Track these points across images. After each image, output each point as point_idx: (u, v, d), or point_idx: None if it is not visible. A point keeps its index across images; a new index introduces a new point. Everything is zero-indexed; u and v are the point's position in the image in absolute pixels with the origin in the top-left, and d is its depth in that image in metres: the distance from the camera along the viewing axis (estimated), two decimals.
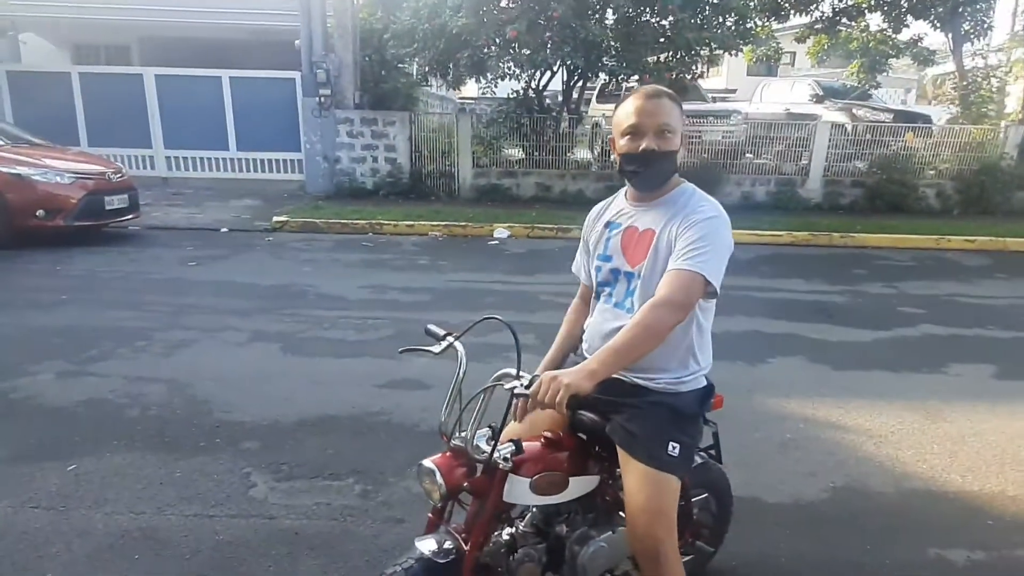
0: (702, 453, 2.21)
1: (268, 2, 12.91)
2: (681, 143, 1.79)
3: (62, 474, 3.00)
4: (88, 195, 7.50)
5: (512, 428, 1.87)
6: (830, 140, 11.22)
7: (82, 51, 14.28)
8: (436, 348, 1.81)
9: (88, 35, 13.68)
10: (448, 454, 1.67)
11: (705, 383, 1.91)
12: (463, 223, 9.08)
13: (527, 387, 1.56)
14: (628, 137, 1.76)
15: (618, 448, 1.81)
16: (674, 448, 1.76)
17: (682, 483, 2.04)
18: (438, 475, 1.62)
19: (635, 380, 1.82)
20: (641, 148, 1.73)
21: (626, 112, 1.76)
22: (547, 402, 1.50)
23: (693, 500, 2.12)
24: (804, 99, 13.66)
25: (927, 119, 12.39)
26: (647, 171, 1.79)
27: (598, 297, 1.95)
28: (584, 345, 1.96)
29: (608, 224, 1.93)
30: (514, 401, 1.61)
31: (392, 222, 9.03)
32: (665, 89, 1.79)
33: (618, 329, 1.75)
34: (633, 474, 1.75)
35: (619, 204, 1.95)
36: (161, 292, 5.92)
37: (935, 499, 3.02)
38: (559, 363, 2.02)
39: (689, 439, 1.84)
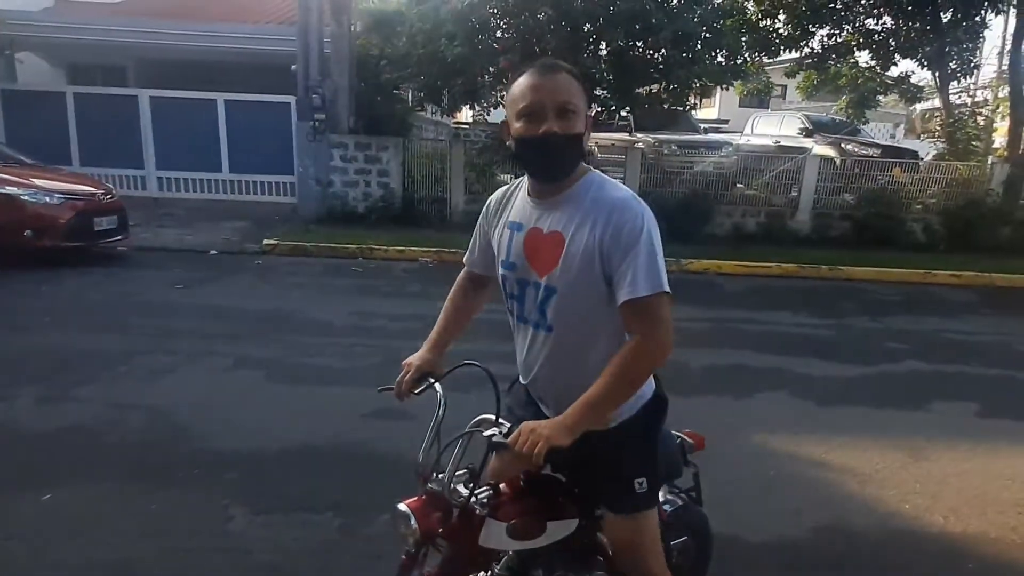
0: (682, 495, 2.20)
1: (266, 27, 13.07)
2: (587, 127, 1.57)
3: (36, 504, 2.95)
4: (77, 216, 7.47)
5: (490, 466, 1.84)
6: (819, 173, 11.36)
7: (79, 71, 14.31)
8: (416, 389, 1.82)
9: (85, 56, 13.72)
10: (424, 498, 1.64)
11: (650, 392, 1.76)
12: (454, 249, 9.06)
13: (506, 435, 1.55)
14: (525, 119, 1.52)
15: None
16: (641, 484, 1.71)
17: (662, 526, 2.03)
18: (413, 520, 1.58)
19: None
20: (541, 131, 1.50)
21: (521, 90, 1.53)
22: (524, 453, 1.45)
23: (672, 544, 2.09)
24: (794, 132, 13.88)
25: (914, 154, 12.59)
26: (549, 159, 1.56)
27: (511, 313, 1.77)
28: (521, 376, 1.85)
29: (510, 225, 1.70)
30: (493, 450, 1.60)
31: (383, 247, 9.03)
32: (563, 64, 1.58)
33: (541, 352, 1.69)
34: (611, 524, 1.75)
35: (520, 201, 1.71)
36: (147, 315, 5.88)
37: (918, 540, 3.02)
38: (441, 350, 1.88)
39: (651, 463, 1.76)
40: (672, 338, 1.53)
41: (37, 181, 7.54)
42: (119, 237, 8.19)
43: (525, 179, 1.72)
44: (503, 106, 9.96)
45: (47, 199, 7.37)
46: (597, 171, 1.66)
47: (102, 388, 4.27)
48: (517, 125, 1.55)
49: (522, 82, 1.54)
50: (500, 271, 1.74)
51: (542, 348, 1.69)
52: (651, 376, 1.75)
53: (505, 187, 1.82)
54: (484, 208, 1.84)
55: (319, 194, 11.23)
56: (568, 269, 1.57)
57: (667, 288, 1.52)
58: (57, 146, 11.11)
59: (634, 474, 1.71)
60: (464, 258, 1.96)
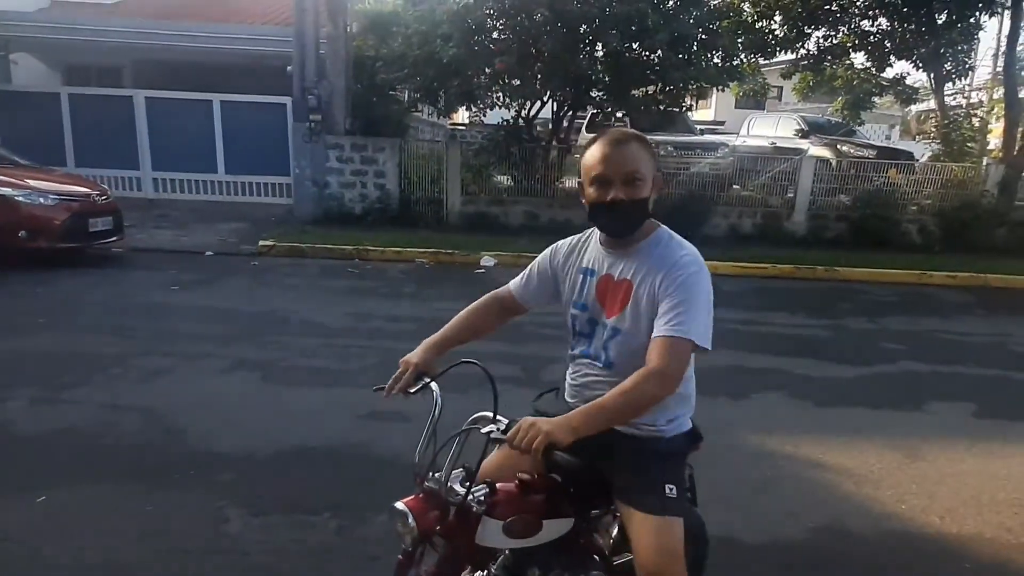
0: None
1: (262, 28, 13.05)
2: (654, 187, 1.73)
3: (31, 506, 2.94)
4: (71, 217, 7.46)
5: (486, 467, 1.86)
6: (815, 174, 11.38)
7: (74, 72, 14.27)
8: (412, 388, 1.83)
9: (81, 56, 13.68)
10: (421, 496, 1.65)
11: (689, 426, 1.90)
12: (450, 251, 9.09)
13: (504, 431, 1.55)
14: (596, 186, 1.70)
15: (618, 502, 1.81)
16: (671, 490, 1.76)
17: None
18: (410, 518, 1.59)
19: (622, 430, 1.79)
20: (609, 198, 1.68)
21: (593, 160, 1.70)
22: (523, 448, 1.48)
23: None
24: (790, 134, 13.91)
25: (910, 155, 12.63)
26: (616, 221, 1.74)
27: (573, 348, 1.91)
28: (568, 396, 1.93)
29: (583, 271, 1.87)
30: (489, 446, 1.61)
31: (379, 248, 9.02)
32: (633, 132, 1.74)
33: (598, 383, 1.79)
34: (638, 525, 1.74)
35: (594, 249, 1.88)
36: (142, 317, 5.87)
37: (914, 541, 3.02)
38: (440, 352, 1.92)
39: (680, 478, 1.84)
40: (676, 382, 1.64)
41: (32, 182, 7.52)
42: (114, 238, 8.18)
43: (595, 232, 1.88)
44: (499, 107, 10.01)
45: (42, 200, 7.36)
46: (666, 228, 1.82)
47: (97, 390, 4.26)
48: (590, 190, 1.72)
49: (594, 151, 1.70)
50: (571, 311, 1.89)
51: (600, 379, 1.82)
52: (687, 417, 1.89)
53: (575, 236, 1.95)
54: (551, 250, 1.98)
55: (315, 195, 11.23)
56: (633, 314, 1.74)
57: (704, 343, 1.64)
58: (52, 147, 11.11)
59: (666, 480, 1.77)
60: (511, 284, 2.06)
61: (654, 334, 1.65)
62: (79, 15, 13.34)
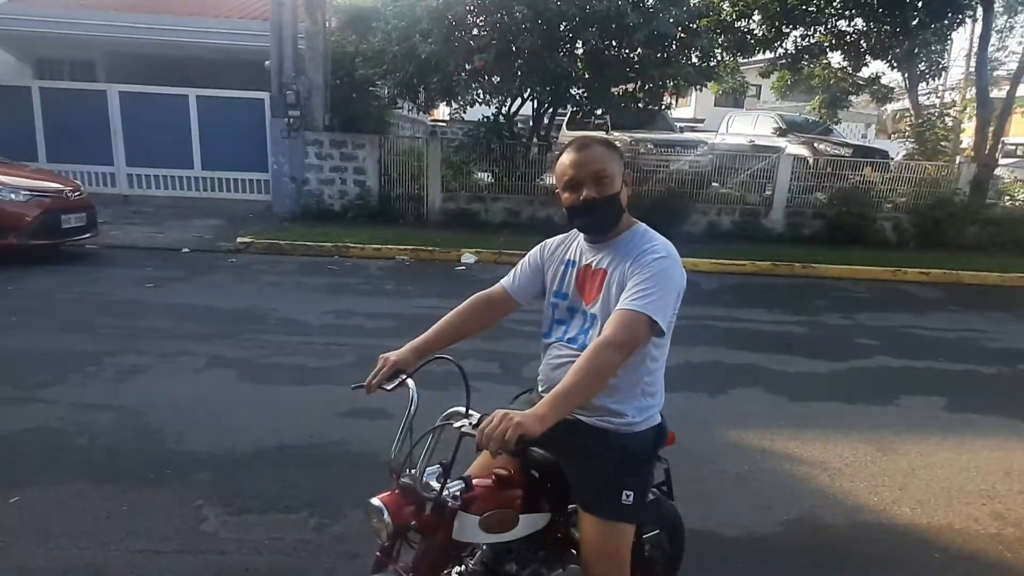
0: (653, 489, 2.22)
1: (239, 22, 12.90)
2: (625, 184, 1.81)
3: (4, 507, 2.90)
4: (44, 213, 7.32)
5: (475, 466, 1.91)
6: (792, 172, 11.50)
7: (45, 65, 14.00)
8: (388, 385, 1.83)
9: (52, 49, 13.41)
10: (396, 491, 1.66)
11: (659, 420, 1.92)
12: (431, 248, 9.07)
13: (475, 426, 1.56)
14: (569, 190, 1.80)
15: (576, 501, 1.83)
16: (628, 496, 1.78)
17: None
18: (386, 513, 1.60)
19: (591, 422, 1.81)
20: (582, 198, 1.77)
21: (563, 166, 1.81)
22: (495, 437, 1.45)
23: (645, 536, 2.11)
24: (768, 132, 14.04)
25: (885, 154, 12.81)
26: (592, 219, 1.82)
27: (548, 335, 1.95)
28: (540, 387, 1.95)
29: (566, 262, 1.94)
30: (462, 440, 1.61)
31: (359, 245, 8.97)
32: (597, 137, 1.84)
33: (568, 364, 1.77)
34: (587, 523, 1.78)
35: (578, 244, 1.95)
36: (116, 315, 5.78)
37: (885, 532, 3.08)
38: (421, 355, 1.91)
39: (643, 483, 1.87)
40: (628, 351, 1.67)
41: (2, 178, 7.36)
42: (88, 235, 8.04)
43: None
44: (480, 104, 9.97)
45: (12, 196, 7.22)
46: (644, 224, 1.89)
47: (71, 389, 4.19)
48: (565, 195, 1.82)
49: (564, 159, 1.81)
50: (552, 299, 1.95)
51: (572, 362, 1.82)
52: (657, 410, 1.91)
53: (564, 234, 2.03)
54: (541, 245, 2.04)
55: (294, 192, 11.13)
56: (604, 300, 1.79)
57: (655, 316, 1.66)
58: (23, 142, 10.92)
59: (625, 486, 1.79)
60: (502, 280, 2.07)
61: (620, 306, 1.70)
62: (50, 6, 13.08)
